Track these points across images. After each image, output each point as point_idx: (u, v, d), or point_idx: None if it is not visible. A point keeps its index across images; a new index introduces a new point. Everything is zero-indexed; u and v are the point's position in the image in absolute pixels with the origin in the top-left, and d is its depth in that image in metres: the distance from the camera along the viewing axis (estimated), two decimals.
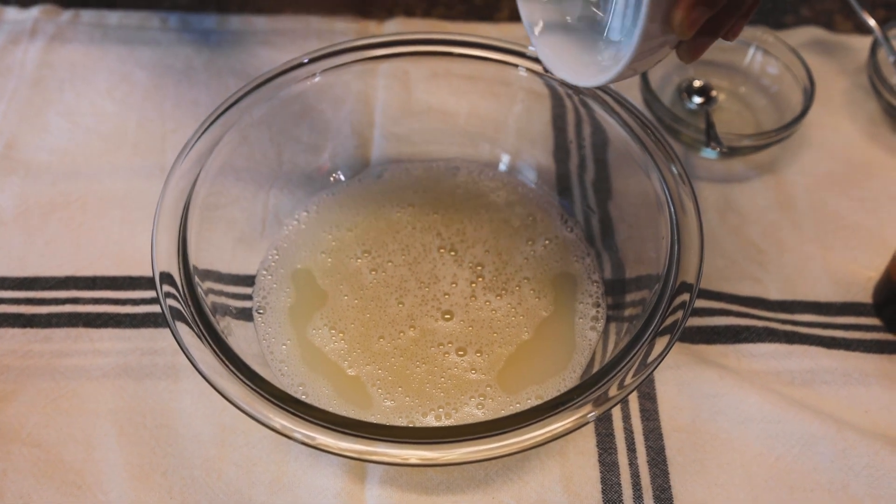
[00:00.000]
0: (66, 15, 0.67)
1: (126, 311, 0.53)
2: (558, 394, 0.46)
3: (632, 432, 0.50)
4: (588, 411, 0.40)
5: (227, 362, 0.42)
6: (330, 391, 0.48)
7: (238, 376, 0.42)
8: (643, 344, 0.43)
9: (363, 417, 0.46)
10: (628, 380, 0.41)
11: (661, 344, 0.43)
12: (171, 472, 0.48)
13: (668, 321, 0.43)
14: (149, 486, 0.47)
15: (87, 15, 0.67)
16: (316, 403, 0.47)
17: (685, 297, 0.44)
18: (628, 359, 0.42)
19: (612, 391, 0.41)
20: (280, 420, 0.40)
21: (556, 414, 0.40)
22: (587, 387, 0.41)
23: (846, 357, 0.53)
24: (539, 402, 0.47)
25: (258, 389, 0.41)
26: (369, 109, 0.59)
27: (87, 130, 0.61)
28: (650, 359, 0.42)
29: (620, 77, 0.40)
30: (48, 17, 0.67)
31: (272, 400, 0.41)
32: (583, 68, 0.42)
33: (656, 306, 0.44)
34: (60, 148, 0.60)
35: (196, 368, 0.42)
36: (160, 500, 0.47)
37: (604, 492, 0.48)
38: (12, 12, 0.67)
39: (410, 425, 0.47)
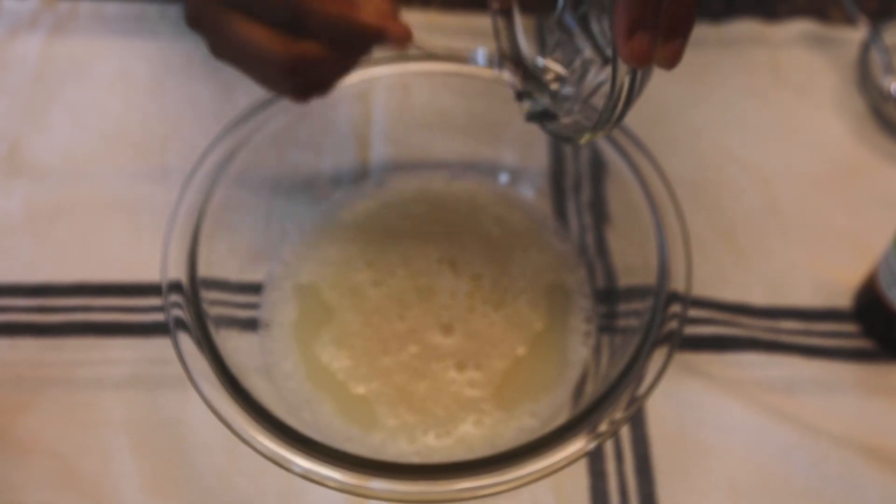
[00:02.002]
0: (65, 5, 0.67)
1: (136, 320, 0.55)
2: (550, 410, 0.49)
3: (619, 440, 0.52)
4: (588, 441, 0.43)
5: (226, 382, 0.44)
6: (333, 409, 0.50)
7: (234, 397, 0.44)
8: (631, 377, 0.45)
9: (366, 436, 0.49)
10: (618, 414, 0.43)
11: (653, 369, 0.45)
12: (184, 482, 0.50)
13: (659, 347, 0.46)
14: (164, 497, 0.50)
15: (86, 6, 0.67)
16: (319, 422, 0.49)
17: (677, 309, 0.47)
18: (619, 394, 0.44)
19: (604, 426, 0.43)
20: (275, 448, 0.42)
21: (557, 448, 0.42)
22: (584, 416, 0.44)
23: (825, 366, 0.55)
24: (533, 419, 0.50)
25: (251, 413, 0.43)
26: (367, 111, 0.60)
27: (89, 129, 0.62)
28: (639, 391, 0.44)
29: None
30: (47, 7, 0.67)
31: (264, 424, 0.43)
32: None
33: (648, 329, 0.46)
34: (64, 148, 0.61)
35: (193, 383, 0.44)
36: None
37: (593, 499, 0.50)
38: (10, 2, 0.67)
39: (411, 446, 0.49)
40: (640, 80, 0.39)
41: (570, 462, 0.42)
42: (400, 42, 0.45)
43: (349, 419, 0.50)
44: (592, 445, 0.43)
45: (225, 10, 0.44)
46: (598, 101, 0.43)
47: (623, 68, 0.38)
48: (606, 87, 0.40)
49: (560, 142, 0.45)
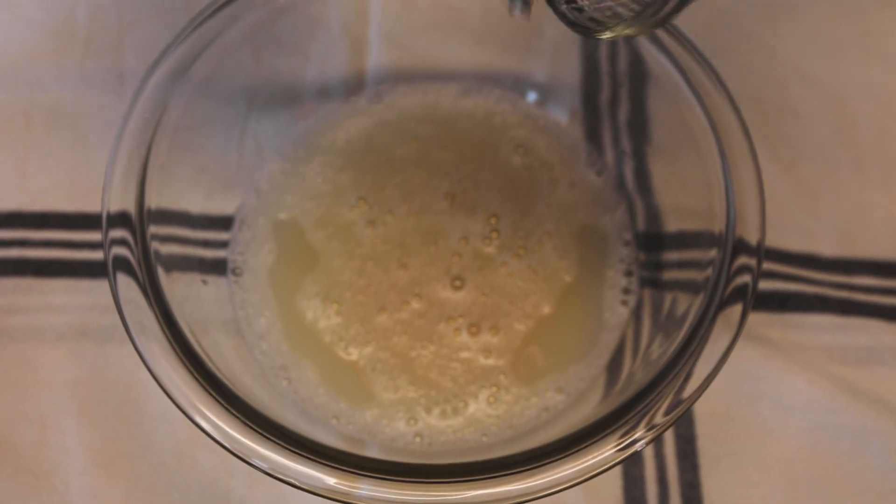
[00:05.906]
0: None
1: (82, 257, 0.46)
2: (581, 384, 0.41)
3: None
4: (637, 437, 0.34)
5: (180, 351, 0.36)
6: (317, 378, 0.42)
7: (183, 360, 0.36)
8: (688, 354, 0.36)
9: (356, 412, 0.41)
10: (658, 419, 0.35)
11: (718, 343, 0.37)
12: (138, 459, 0.42)
13: (723, 311, 0.37)
14: (113, 474, 0.42)
15: None
16: (299, 393, 0.41)
17: (747, 261, 0.38)
18: (677, 373, 0.36)
19: (640, 430, 0.35)
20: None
21: (594, 445, 0.34)
22: (627, 409, 0.35)
23: None
24: (559, 395, 0.42)
25: (203, 382, 0.35)
26: (363, 7, 0.50)
27: (29, 23, 0.52)
28: (685, 393, 0.35)
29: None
30: None
31: (218, 398, 0.35)
32: None
33: (713, 288, 0.38)
34: None
35: (131, 339, 0.36)
36: (127, 492, 0.42)
37: (625, 488, 0.43)
38: None
39: (411, 426, 0.41)
40: None
41: (609, 466, 0.34)
42: None
43: (336, 391, 0.42)
44: (642, 444, 0.34)
45: None
46: None
47: None
48: None
49: (573, 29, 0.35)
